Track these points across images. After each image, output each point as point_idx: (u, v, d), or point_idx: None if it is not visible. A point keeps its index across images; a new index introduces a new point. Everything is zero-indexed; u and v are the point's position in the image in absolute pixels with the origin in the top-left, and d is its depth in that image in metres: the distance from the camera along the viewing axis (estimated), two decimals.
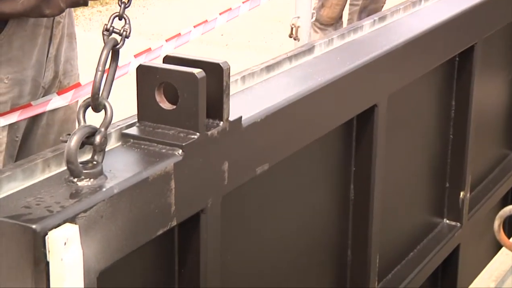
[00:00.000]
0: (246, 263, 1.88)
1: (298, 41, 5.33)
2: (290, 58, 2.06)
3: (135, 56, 3.01)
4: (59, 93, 2.49)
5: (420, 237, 2.76)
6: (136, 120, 1.62)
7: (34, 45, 2.34)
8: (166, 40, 3.13)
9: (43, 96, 2.44)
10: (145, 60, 2.72)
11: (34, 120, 2.47)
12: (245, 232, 1.86)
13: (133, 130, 1.60)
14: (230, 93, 1.65)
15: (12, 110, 2.34)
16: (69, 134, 1.43)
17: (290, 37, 5.29)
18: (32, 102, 2.39)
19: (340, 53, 2.17)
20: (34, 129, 2.49)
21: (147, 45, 3.08)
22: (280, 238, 2.00)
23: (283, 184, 1.96)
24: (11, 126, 2.35)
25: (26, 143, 2.48)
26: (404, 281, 2.58)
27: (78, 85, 2.54)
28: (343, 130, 2.15)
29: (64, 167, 1.44)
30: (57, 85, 2.49)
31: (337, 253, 2.27)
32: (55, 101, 2.46)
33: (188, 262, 1.65)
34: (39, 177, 1.44)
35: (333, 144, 2.15)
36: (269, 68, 1.99)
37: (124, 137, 1.59)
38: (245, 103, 1.80)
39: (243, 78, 1.91)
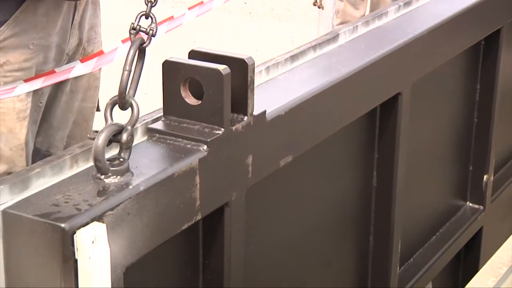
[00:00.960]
0: (270, 252, 1.92)
1: (322, 9, 5.31)
2: (314, 47, 2.08)
3: (158, 24, 2.99)
4: (82, 61, 2.52)
5: (443, 220, 2.79)
6: (162, 114, 1.66)
7: (59, 11, 2.37)
8: (189, 8, 3.13)
9: (66, 63, 2.48)
10: (167, 28, 2.71)
11: (58, 87, 2.51)
12: (269, 222, 1.90)
13: (159, 125, 1.63)
14: (255, 84, 1.67)
15: (37, 76, 2.37)
16: (97, 131, 1.47)
17: (314, 5, 5.27)
18: (56, 69, 2.43)
19: (365, 41, 2.18)
20: (58, 96, 2.54)
21: (170, 13, 3.08)
22: (303, 227, 2.03)
23: (306, 174, 1.99)
24: (35, 92, 2.39)
25: (50, 109, 2.52)
26: (426, 265, 2.61)
27: (101, 52, 2.57)
28: (366, 119, 2.17)
29: (92, 163, 1.47)
30: (81, 52, 2.53)
31: (359, 239, 2.30)
32: (79, 68, 2.50)
33: (213, 253, 1.69)
34: (67, 173, 1.48)
35: (356, 133, 2.17)
36: (293, 57, 2.01)
37: (150, 132, 1.62)
38: (269, 96, 1.83)
39: (267, 68, 1.93)
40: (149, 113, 1.68)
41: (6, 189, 1.38)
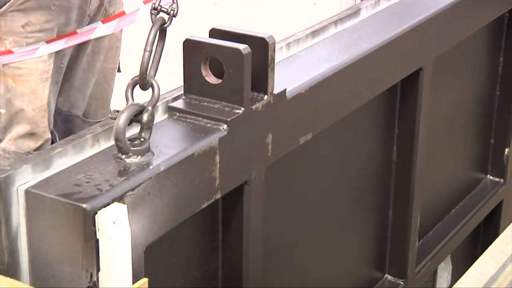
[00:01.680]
0: (289, 229, 1.94)
1: None
2: (335, 23, 2.08)
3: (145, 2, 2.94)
4: (104, 21, 2.54)
5: (463, 193, 2.80)
6: (182, 92, 1.68)
7: None
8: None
9: (88, 24, 2.50)
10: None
11: (79, 48, 2.54)
12: (288, 199, 1.92)
13: (179, 104, 1.65)
14: (275, 61, 1.69)
15: (58, 37, 2.40)
16: (118, 111, 1.49)
17: None
18: (77, 30, 2.45)
19: (386, 16, 2.18)
20: (80, 56, 2.56)
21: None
22: (322, 204, 2.05)
23: (325, 151, 2.00)
24: (57, 53, 2.41)
25: (71, 70, 2.55)
26: (445, 238, 2.63)
27: (122, 13, 2.59)
28: (387, 94, 2.18)
29: (113, 142, 1.50)
30: (102, 13, 2.55)
31: (378, 214, 2.32)
32: (100, 29, 2.52)
33: (232, 230, 1.72)
34: (89, 152, 1.50)
35: (376, 109, 2.18)
36: (314, 33, 2.02)
37: (170, 110, 1.64)
38: (290, 73, 1.84)
39: (288, 45, 1.94)
40: (169, 91, 1.70)
41: (29, 168, 1.41)
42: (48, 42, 2.37)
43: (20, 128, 2.30)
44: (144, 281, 1.40)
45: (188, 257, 1.68)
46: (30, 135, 2.30)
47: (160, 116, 1.64)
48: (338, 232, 2.15)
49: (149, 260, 1.47)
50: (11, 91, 2.30)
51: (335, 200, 2.10)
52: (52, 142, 2.38)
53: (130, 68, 3.29)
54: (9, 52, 2.33)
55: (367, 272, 2.36)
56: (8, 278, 1.37)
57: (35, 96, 2.31)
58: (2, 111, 2.30)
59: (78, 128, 2.63)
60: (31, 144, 2.30)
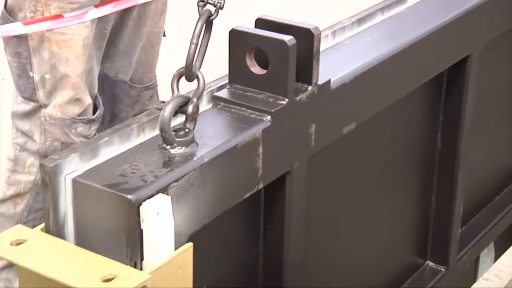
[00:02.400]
0: (330, 219, 1.97)
1: None
2: (382, 10, 2.09)
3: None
4: None
5: (507, 180, 2.80)
6: (227, 82, 1.71)
7: None
8: None
9: None
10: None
11: (125, 13, 2.58)
12: (330, 189, 1.95)
13: (224, 93, 1.68)
14: (320, 49, 1.71)
15: (106, 2, 2.43)
16: (163, 102, 1.53)
17: None
18: None
19: (434, 3, 2.18)
20: (126, 21, 2.60)
21: None
22: (364, 190, 2.08)
23: (368, 140, 2.02)
24: (99, 19, 2.45)
25: (117, 35, 2.59)
26: (488, 225, 2.64)
27: None
28: (433, 82, 2.18)
29: (158, 131, 1.54)
30: None
31: (421, 200, 2.34)
32: None
33: (274, 218, 1.76)
34: (134, 142, 1.55)
35: (422, 96, 2.19)
36: (360, 21, 2.03)
37: (215, 100, 1.68)
38: (335, 62, 1.85)
39: (334, 33, 1.96)
40: (214, 80, 1.73)
41: (76, 157, 1.46)
42: (96, 6, 2.40)
43: (65, 94, 2.35)
44: (189, 245, 1.45)
45: (229, 244, 1.72)
46: (75, 100, 2.35)
47: (204, 105, 1.68)
48: (380, 219, 2.18)
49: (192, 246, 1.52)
50: (56, 57, 2.35)
51: (377, 188, 2.13)
52: (96, 107, 2.42)
53: (175, 32, 3.35)
54: (59, 16, 2.36)
55: (408, 258, 2.39)
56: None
57: (79, 61, 2.35)
58: (47, 76, 2.35)
59: (124, 93, 2.68)
60: (75, 110, 2.35)
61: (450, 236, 2.41)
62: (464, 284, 2.57)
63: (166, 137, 1.50)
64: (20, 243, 1.41)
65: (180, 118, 1.58)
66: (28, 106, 2.39)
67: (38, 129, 2.38)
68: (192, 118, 1.53)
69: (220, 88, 1.70)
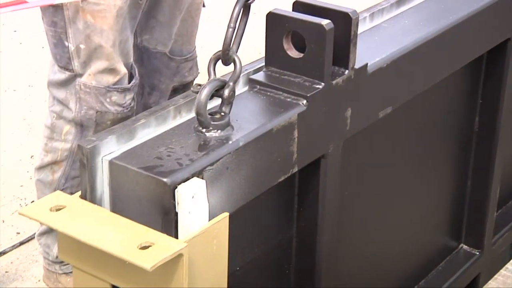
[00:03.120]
0: (364, 198, 2.00)
1: None
2: None
3: None
4: None
5: None
6: (263, 64, 1.73)
7: None
8: None
9: None
10: None
11: None
12: (364, 172, 1.97)
13: (260, 76, 1.71)
14: (357, 32, 1.72)
15: None
16: (200, 85, 1.56)
17: None
18: None
19: None
20: None
21: None
22: (399, 172, 2.09)
23: (404, 123, 2.04)
24: None
25: (157, 7, 2.61)
26: None
27: None
28: (472, 65, 2.19)
29: (194, 114, 1.57)
30: None
31: (456, 183, 2.35)
32: None
33: (308, 201, 1.78)
34: (171, 124, 1.58)
35: (460, 80, 2.20)
36: (399, 3, 2.03)
37: (251, 83, 1.70)
38: (372, 46, 1.86)
39: (372, 15, 1.97)
40: (251, 63, 1.75)
41: (114, 139, 1.49)
42: None
43: (99, 64, 2.38)
44: (225, 215, 1.48)
45: (263, 227, 1.75)
46: (109, 70, 2.38)
47: (240, 87, 1.70)
48: (414, 202, 2.20)
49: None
50: (90, 27, 2.38)
51: (412, 171, 2.14)
52: (131, 77, 2.46)
53: (214, 3, 3.37)
54: None
55: (442, 241, 2.40)
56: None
57: (112, 32, 2.38)
58: (82, 46, 2.39)
59: (164, 65, 2.71)
60: (110, 79, 2.39)
61: (486, 219, 2.42)
62: (498, 268, 2.58)
63: (202, 121, 1.53)
64: (59, 209, 1.45)
65: (216, 101, 1.61)
66: (63, 75, 2.43)
67: (74, 98, 2.42)
68: (228, 102, 1.56)
69: (256, 70, 1.73)
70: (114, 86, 2.39)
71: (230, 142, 1.53)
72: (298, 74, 1.69)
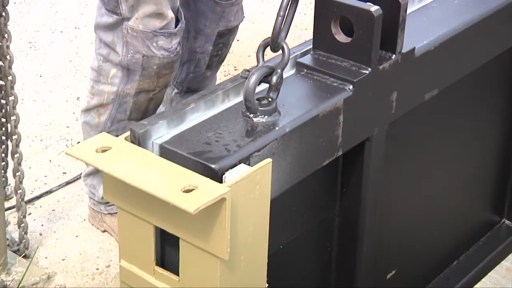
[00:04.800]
0: (407, 178, 2.07)
1: None
2: None
3: None
4: None
5: None
6: (311, 47, 1.80)
7: None
8: None
9: None
10: None
11: None
12: (408, 154, 2.04)
13: (307, 60, 1.77)
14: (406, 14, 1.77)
15: None
16: (248, 71, 1.63)
17: None
18: None
19: None
20: None
21: None
22: (442, 152, 2.16)
23: (449, 103, 2.09)
24: None
25: None
26: None
27: None
28: None
29: (242, 97, 1.65)
30: None
31: (500, 159, 2.41)
32: None
33: (351, 182, 1.86)
34: (219, 108, 1.66)
35: (509, 60, 2.24)
36: None
37: (299, 66, 1.77)
38: (420, 27, 1.91)
39: None
40: (298, 45, 1.82)
41: (164, 124, 1.58)
42: None
43: (147, 8, 2.44)
44: (268, 161, 1.53)
45: (306, 206, 1.84)
46: (156, 14, 2.44)
47: (288, 70, 1.76)
48: (457, 178, 2.26)
49: (271, 211, 1.63)
50: None
51: (456, 150, 2.20)
52: (177, 21, 2.51)
53: None
54: None
55: (484, 216, 2.47)
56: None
57: None
58: None
59: (209, 9, 2.77)
60: (157, 23, 2.45)
61: None
62: None
63: (250, 106, 1.61)
64: (105, 151, 1.51)
65: (264, 84, 1.68)
66: (111, 19, 2.49)
67: (121, 41, 2.47)
68: (276, 88, 1.63)
69: (304, 53, 1.79)
70: (160, 31, 2.44)
71: (277, 128, 1.60)
72: (345, 58, 1.75)
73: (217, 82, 3.11)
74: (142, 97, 2.54)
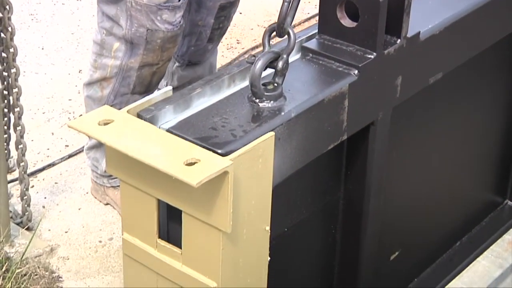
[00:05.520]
0: (411, 161, 2.11)
1: None
2: None
3: None
4: None
5: None
6: (316, 32, 1.83)
7: None
8: None
9: None
10: None
11: None
12: (413, 138, 2.07)
13: (313, 44, 1.81)
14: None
15: None
16: (254, 56, 1.67)
17: None
18: None
19: None
20: None
21: None
22: (446, 134, 2.19)
23: (453, 88, 2.13)
24: None
25: None
26: None
27: None
28: None
29: (247, 82, 1.68)
30: None
31: (503, 142, 2.45)
32: None
33: (356, 165, 1.90)
34: (225, 93, 1.70)
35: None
36: None
37: (304, 50, 1.81)
38: (425, 10, 1.94)
39: None
40: (304, 29, 1.86)
41: (171, 109, 1.62)
42: None
43: None
44: (271, 134, 1.56)
45: (311, 189, 1.88)
46: None
47: (293, 54, 1.79)
48: (461, 161, 2.30)
49: (276, 195, 1.68)
50: None
51: (460, 133, 2.24)
52: None
53: None
54: None
55: (487, 197, 2.52)
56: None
57: None
58: None
59: None
60: None
61: None
62: None
63: (255, 92, 1.65)
64: (108, 123, 1.53)
65: (269, 69, 1.71)
66: None
67: (125, 15, 2.49)
68: (282, 73, 1.67)
69: (309, 38, 1.83)
70: (165, 4, 2.46)
71: (282, 113, 1.64)
72: (351, 43, 1.79)
73: (219, 55, 3.14)
74: (145, 71, 2.57)
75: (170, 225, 1.63)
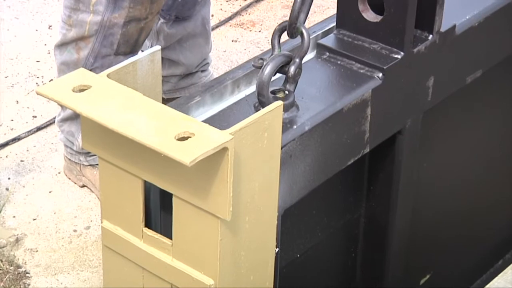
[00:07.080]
0: (442, 178, 1.97)
1: None
2: None
3: None
4: None
5: None
6: (334, 25, 1.68)
7: None
8: None
9: None
10: None
11: None
12: (446, 142, 1.94)
13: (330, 41, 1.66)
14: None
15: None
16: (262, 59, 1.52)
17: None
18: None
19: None
20: None
21: None
22: (480, 145, 2.05)
23: (492, 88, 1.98)
24: None
25: None
26: None
27: None
28: None
29: (254, 87, 1.54)
30: None
31: None
32: None
33: (379, 180, 1.77)
34: (228, 101, 1.56)
35: None
36: None
37: (320, 48, 1.66)
38: (460, 1, 1.80)
39: None
40: (320, 23, 1.71)
41: None
42: None
43: None
44: (279, 103, 1.40)
45: (328, 208, 1.75)
46: None
47: (308, 52, 1.66)
48: (497, 168, 2.16)
49: (285, 217, 1.54)
50: None
51: (496, 137, 2.10)
52: None
53: None
54: None
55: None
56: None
57: None
58: None
59: None
60: None
61: None
62: None
63: (263, 101, 1.51)
64: (84, 90, 1.37)
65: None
66: None
67: None
68: (294, 80, 1.52)
69: (326, 33, 1.68)
70: None
71: (295, 126, 1.50)
72: (374, 40, 1.65)
73: (216, 8, 2.92)
74: (132, 27, 2.38)
75: (158, 212, 1.48)
